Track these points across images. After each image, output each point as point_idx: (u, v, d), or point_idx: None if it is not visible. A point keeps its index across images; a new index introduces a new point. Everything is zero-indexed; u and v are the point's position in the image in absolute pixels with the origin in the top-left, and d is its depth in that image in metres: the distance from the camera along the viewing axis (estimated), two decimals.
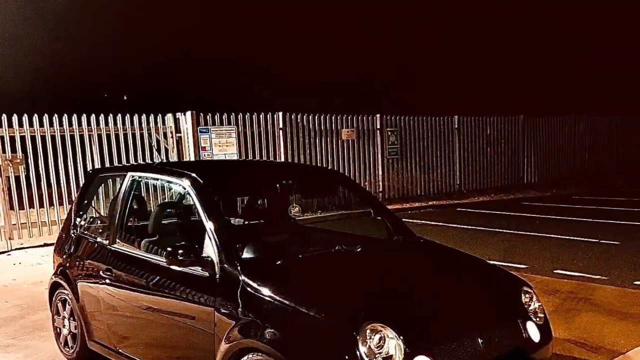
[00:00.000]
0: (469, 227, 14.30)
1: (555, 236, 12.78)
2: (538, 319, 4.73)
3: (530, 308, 4.78)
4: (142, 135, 14.48)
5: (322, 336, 3.98)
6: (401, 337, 3.90)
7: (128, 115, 14.26)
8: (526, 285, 5.00)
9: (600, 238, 12.33)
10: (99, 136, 13.90)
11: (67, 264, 6.55)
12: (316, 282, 4.60)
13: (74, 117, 13.60)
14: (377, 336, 3.90)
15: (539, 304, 4.88)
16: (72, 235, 6.67)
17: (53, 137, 13.39)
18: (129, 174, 6.07)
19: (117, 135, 14.15)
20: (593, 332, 6.75)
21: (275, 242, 5.79)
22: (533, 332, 4.56)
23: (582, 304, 7.87)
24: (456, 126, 20.79)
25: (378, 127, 18.82)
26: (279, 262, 4.84)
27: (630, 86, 30.09)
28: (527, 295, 4.86)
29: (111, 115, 14.07)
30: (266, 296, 4.30)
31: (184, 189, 5.32)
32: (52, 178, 13.40)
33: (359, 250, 5.25)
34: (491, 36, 29.66)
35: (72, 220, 6.78)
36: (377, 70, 28.17)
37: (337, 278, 4.71)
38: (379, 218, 5.95)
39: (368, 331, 3.90)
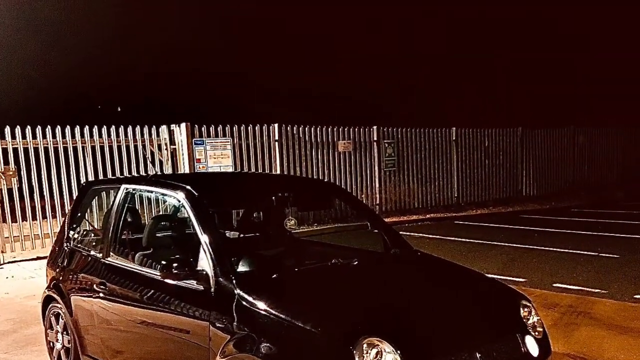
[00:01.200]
0: (467, 240, 14.31)
1: (555, 249, 12.80)
2: (537, 333, 4.74)
3: (529, 322, 4.79)
4: (136, 147, 14.47)
5: (318, 350, 3.98)
6: (398, 352, 3.91)
7: (122, 127, 14.25)
8: (525, 299, 5.01)
9: (600, 251, 12.33)
10: (93, 148, 13.89)
11: (61, 278, 6.55)
12: (312, 296, 4.60)
13: (67, 129, 13.59)
14: (374, 350, 3.90)
15: (538, 317, 4.89)
16: (66, 248, 6.67)
17: (46, 149, 13.39)
18: (123, 186, 6.08)
19: (110, 147, 14.14)
20: (592, 347, 6.76)
21: (271, 255, 5.79)
22: (532, 346, 4.57)
23: (582, 318, 7.88)
24: (454, 138, 20.81)
25: (375, 138, 18.83)
26: (275, 275, 4.85)
27: (631, 98, 30.17)
28: (525, 309, 4.87)
29: (105, 127, 14.05)
30: (262, 310, 4.30)
31: (179, 201, 5.34)
32: (46, 190, 13.39)
33: (355, 263, 5.27)
34: (489, 43, 29.71)
35: (66, 233, 6.79)
36: (374, 82, 28.22)
37: (334, 292, 4.72)
38: (376, 231, 5.96)
39: (365, 345, 3.90)
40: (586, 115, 26.97)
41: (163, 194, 5.78)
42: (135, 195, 6.28)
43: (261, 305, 4.33)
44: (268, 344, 4.11)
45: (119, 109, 14.48)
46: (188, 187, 5.36)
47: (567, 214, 18.87)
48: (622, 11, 31.10)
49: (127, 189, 6.04)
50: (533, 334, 4.69)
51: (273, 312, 4.25)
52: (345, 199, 6.73)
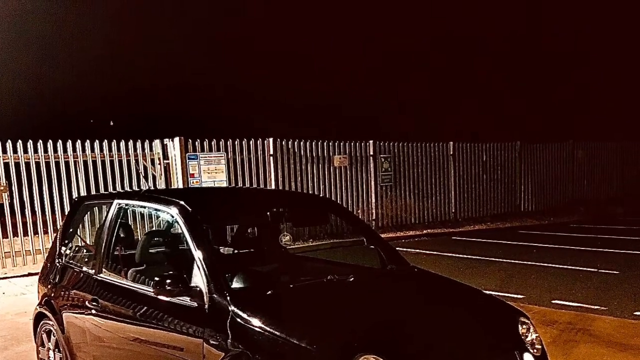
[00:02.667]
0: (465, 256, 14.32)
1: (553, 265, 12.81)
2: (535, 351, 4.75)
3: (527, 339, 4.80)
4: (128, 161, 14.47)
5: None
6: None
7: (114, 141, 14.26)
8: (523, 315, 5.02)
9: (599, 267, 12.35)
10: (85, 163, 13.88)
11: (52, 294, 6.54)
12: (308, 313, 4.61)
13: (59, 144, 13.59)
14: None
15: (536, 335, 4.90)
16: (57, 264, 6.67)
17: (38, 164, 13.38)
18: (116, 201, 6.09)
19: (103, 162, 14.14)
20: None
21: (266, 271, 5.80)
22: None
23: (581, 335, 7.88)
24: (451, 152, 20.82)
25: (371, 153, 18.85)
26: (270, 292, 4.86)
27: (630, 111, 30.23)
28: (524, 326, 4.88)
29: (97, 141, 14.06)
30: (256, 327, 4.30)
31: (172, 217, 5.35)
32: (37, 206, 13.39)
33: (351, 279, 5.26)
34: (488, 58, 29.80)
35: (57, 249, 6.79)
36: (370, 96, 28.27)
37: (329, 308, 4.72)
38: (372, 247, 5.96)
39: None
40: (585, 129, 26.96)
41: (156, 210, 5.80)
42: (128, 211, 6.28)
43: (256, 322, 4.33)
44: None
45: (112, 123, 14.44)
46: (181, 202, 5.37)
47: (566, 229, 18.86)
48: (621, 24, 31.20)
49: (119, 204, 6.05)
50: (531, 351, 4.70)
51: (268, 329, 4.25)
52: (341, 214, 6.73)
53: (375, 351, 4.01)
